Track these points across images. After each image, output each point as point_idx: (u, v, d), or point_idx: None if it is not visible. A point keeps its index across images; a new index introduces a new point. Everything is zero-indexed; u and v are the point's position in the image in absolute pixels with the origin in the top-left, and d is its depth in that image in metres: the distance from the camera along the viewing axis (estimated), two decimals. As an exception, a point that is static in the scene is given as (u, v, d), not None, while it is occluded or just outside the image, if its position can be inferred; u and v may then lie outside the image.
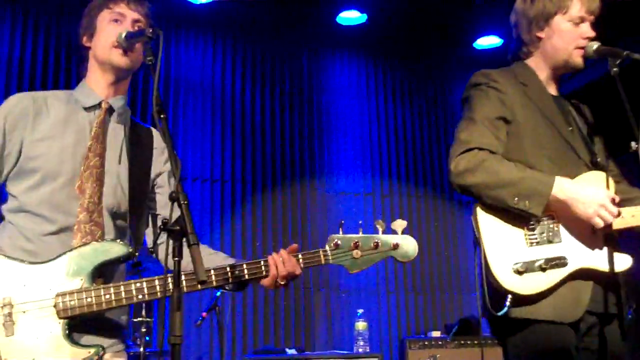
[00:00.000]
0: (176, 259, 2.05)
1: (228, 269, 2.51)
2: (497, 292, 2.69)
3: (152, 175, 2.77)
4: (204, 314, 5.47)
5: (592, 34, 2.99)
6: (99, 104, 2.68)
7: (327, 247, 2.59)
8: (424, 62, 7.93)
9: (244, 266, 2.56)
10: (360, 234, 2.59)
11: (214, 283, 2.50)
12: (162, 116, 2.22)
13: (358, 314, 6.37)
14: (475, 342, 6.14)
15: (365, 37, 7.58)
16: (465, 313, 7.07)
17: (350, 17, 7.20)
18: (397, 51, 7.87)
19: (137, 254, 2.55)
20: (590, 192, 2.67)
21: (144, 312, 5.24)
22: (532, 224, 2.75)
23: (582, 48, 2.97)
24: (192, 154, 6.86)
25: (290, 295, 6.90)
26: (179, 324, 1.99)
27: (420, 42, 7.63)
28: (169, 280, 2.30)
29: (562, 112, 3.01)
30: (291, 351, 6.05)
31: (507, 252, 2.72)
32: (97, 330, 2.47)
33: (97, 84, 2.71)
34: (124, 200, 2.64)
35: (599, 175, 2.85)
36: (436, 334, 6.52)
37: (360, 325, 6.26)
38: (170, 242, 2.05)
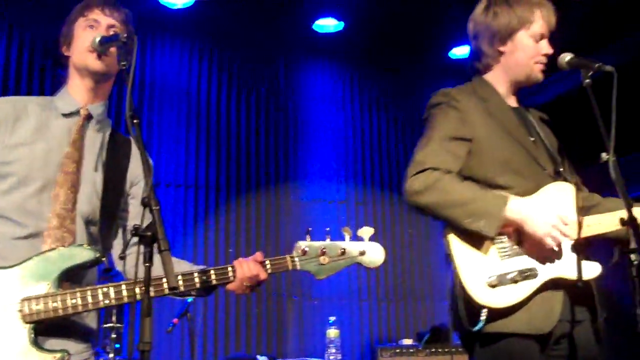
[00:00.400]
0: (147, 264, 2.04)
1: (196, 274, 2.52)
2: (471, 308, 2.68)
3: (127, 184, 2.77)
4: (175, 320, 5.42)
5: (550, 50, 3.04)
6: (78, 111, 2.68)
7: (294, 254, 2.62)
8: (399, 71, 7.95)
9: (212, 272, 2.57)
10: (328, 241, 2.62)
11: (182, 288, 2.51)
12: (135, 121, 2.22)
13: (330, 322, 6.36)
14: (447, 350, 6.15)
15: (341, 45, 7.60)
16: (437, 321, 7.08)
17: (327, 24, 7.22)
18: (373, 59, 7.89)
19: (104, 258, 2.53)
20: (543, 213, 2.68)
21: (114, 318, 5.18)
22: (503, 237, 2.76)
23: (542, 63, 3.02)
24: (166, 159, 6.82)
25: (262, 302, 6.88)
26: (148, 331, 1.98)
27: (396, 51, 7.65)
28: (136, 285, 2.30)
29: (523, 123, 3.04)
30: (262, 358, 6.02)
31: (480, 267, 2.72)
32: (64, 335, 2.45)
33: (76, 91, 2.71)
34: (99, 208, 2.63)
35: (563, 186, 2.88)
36: (408, 341, 6.53)
37: (332, 332, 6.25)
38: (141, 248, 2.05)
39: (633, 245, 2.42)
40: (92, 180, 2.63)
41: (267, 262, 2.62)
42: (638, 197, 2.84)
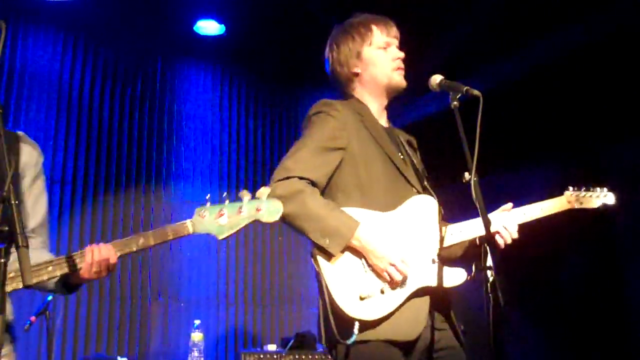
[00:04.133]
0: (2, 260, 1.97)
1: (47, 265, 2.51)
2: (343, 322, 2.74)
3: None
4: (33, 318, 5.24)
5: (401, 54, 3.22)
6: None
7: (194, 217, 2.64)
8: (278, 78, 7.99)
9: (63, 260, 2.55)
10: (227, 203, 2.66)
11: (34, 280, 2.43)
12: None
13: (195, 325, 6.31)
14: (310, 356, 6.21)
15: (222, 48, 7.57)
16: (303, 327, 7.15)
17: (209, 27, 7.16)
18: (252, 65, 7.90)
19: None
20: (385, 249, 2.80)
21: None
22: None
23: (400, 68, 3.19)
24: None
25: (127, 303, 6.74)
26: (1, 328, 1.92)
27: (276, 58, 7.70)
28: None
29: (393, 142, 3.17)
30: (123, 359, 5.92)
31: (349, 281, 2.79)
32: None
33: None
34: None
35: (427, 199, 3.02)
36: (272, 347, 6.54)
37: (196, 336, 6.20)
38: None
39: (489, 262, 2.53)
40: None
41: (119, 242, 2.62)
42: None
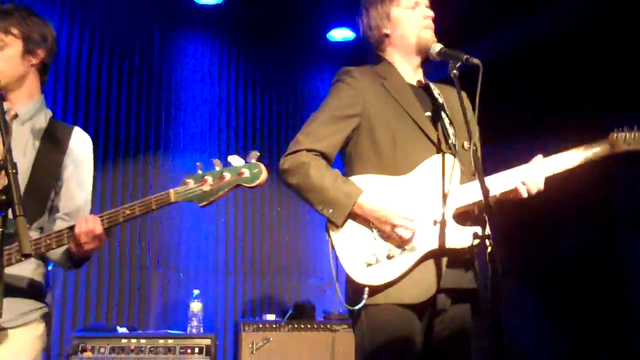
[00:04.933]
0: (1, 229, 1.96)
1: (46, 237, 2.61)
2: (353, 288, 2.85)
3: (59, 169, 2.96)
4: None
5: (430, 12, 3.22)
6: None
7: (179, 186, 2.72)
8: (277, 50, 7.92)
9: (59, 233, 2.64)
10: (210, 170, 2.72)
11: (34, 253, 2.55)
12: None
13: (194, 295, 6.33)
14: (309, 326, 6.26)
15: (221, 19, 7.50)
16: (301, 298, 7.18)
17: (207, -4, 7.10)
18: (251, 36, 7.82)
19: None
20: (386, 211, 2.82)
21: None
22: None
23: (429, 27, 3.18)
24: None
25: (126, 273, 6.75)
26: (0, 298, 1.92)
27: (276, 29, 7.64)
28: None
29: (420, 100, 3.13)
30: (122, 329, 5.94)
31: (357, 249, 2.85)
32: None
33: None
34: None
35: (445, 158, 2.97)
36: (271, 317, 6.59)
37: (195, 306, 6.23)
38: None
39: (488, 231, 2.53)
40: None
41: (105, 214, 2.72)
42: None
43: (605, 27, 5.73)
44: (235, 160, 2.67)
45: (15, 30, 2.95)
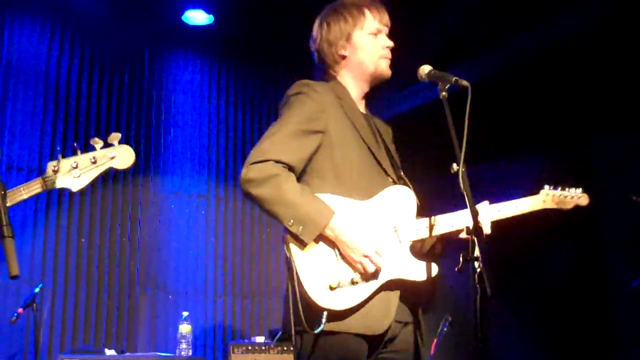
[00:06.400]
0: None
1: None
2: (311, 311, 2.70)
3: None
4: (20, 310, 5.24)
5: (390, 43, 3.19)
6: None
7: (46, 173, 2.63)
8: (266, 69, 7.96)
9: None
10: (79, 155, 2.68)
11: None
12: None
13: (183, 317, 6.31)
14: (298, 348, 6.23)
15: (210, 38, 7.54)
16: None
17: (197, 17, 7.13)
18: (240, 56, 7.86)
19: None
20: (359, 240, 2.77)
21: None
22: None
23: (387, 58, 3.16)
24: (20, 142, 6.50)
25: (114, 295, 6.71)
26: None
27: (264, 49, 7.67)
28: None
29: (370, 129, 3.14)
30: (110, 352, 5.89)
31: (320, 270, 2.76)
32: None
33: None
34: None
35: (404, 189, 3.01)
36: (260, 339, 6.55)
37: (184, 328, 6.20)
38: None
39: (476, 253, 2.53)
40: None
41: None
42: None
43: (586, 50, 5.79)
44: (99, 144, 2.66)
45: None
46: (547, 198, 3.29)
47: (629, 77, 5.62)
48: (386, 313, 2.80)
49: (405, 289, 2.88)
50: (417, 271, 2.89)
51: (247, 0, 6.83)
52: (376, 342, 2.81)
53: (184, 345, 6.13)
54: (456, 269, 2.68)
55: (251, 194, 2.80)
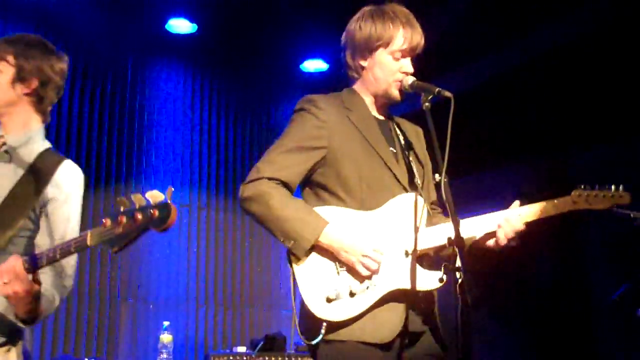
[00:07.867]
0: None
1: None
2: (311, 322, 2.75)
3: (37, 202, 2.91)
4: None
5: (410, 69, 3.08)
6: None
7: (97, 227, 2.40)
8: (250, 79, 7.96)
9: None
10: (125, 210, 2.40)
11: None
12: None
13: (164, 326, 6.26)
14: (280, 358, 6.20)
15: (194, 48, 7.53)
16: (272, 329, 7.13)
17: (180, 26, 7.12)
18: (224, 66, 7.87)
19: None
20: (355, 242, 2.78)
21: None
22: None
23: (400, 81, 3.05)
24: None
25: (95, 304, 6.66)
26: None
27: (249, 59, 7.67)
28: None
29: (385, 135, 3.09)
30: (90, 362, 5.86)
31: (318, 282, 2.78)
32: None
33: None
34: None
35: (411, 197, 2.91)
36: (242, 349, 6.51)
37: (165, 337, 6.15)
38: None
39: (458, 263, 2.53)
40: None
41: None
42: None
43: (568, 62, 5.83)
44: (153, 196, 2.40)
45: (10, 58, 2.93)
46: (578, 199, 3.06)
47: (610, 89, 5.66)
48: (390, 323, 2.78)
49: (415, 299, 2.85)
50: (420, 281, 2.79)
51: (231, 9, 6.82)
52: (386, 349, 2.78)
53: (164, 355, 6.08)
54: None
55: (248, 211, 2.89)
